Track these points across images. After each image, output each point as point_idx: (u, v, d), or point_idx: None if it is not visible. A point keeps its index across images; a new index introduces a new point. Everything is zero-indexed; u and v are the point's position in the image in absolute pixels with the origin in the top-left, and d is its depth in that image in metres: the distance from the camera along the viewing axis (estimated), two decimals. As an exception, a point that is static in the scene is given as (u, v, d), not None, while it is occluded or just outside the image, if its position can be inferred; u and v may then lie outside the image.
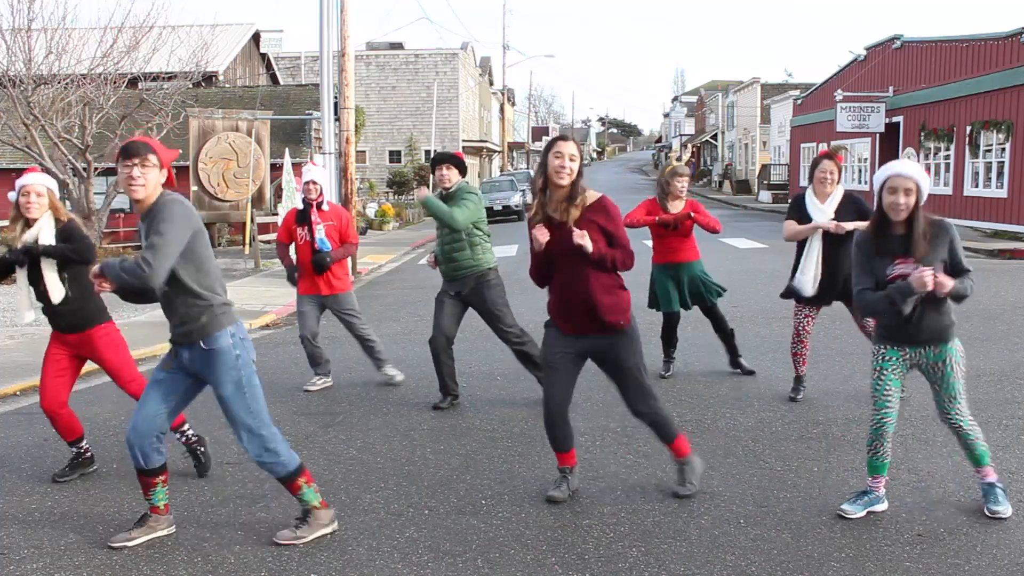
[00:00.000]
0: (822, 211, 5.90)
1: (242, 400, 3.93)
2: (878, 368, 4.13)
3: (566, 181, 4.18)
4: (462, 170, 6.25)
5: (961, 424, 4.11)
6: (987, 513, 4.11)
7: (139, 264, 3.65)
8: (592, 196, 4.27)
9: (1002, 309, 9.76)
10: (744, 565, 3.72)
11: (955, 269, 4.00)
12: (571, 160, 4.17)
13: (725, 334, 7.02)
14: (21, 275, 4.82)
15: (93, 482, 4.96)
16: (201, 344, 3.90)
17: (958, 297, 3.94)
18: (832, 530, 4.04)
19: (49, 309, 4.83)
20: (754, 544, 3.92)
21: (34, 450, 5.62)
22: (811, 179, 6.05)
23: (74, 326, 4.85)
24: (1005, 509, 4.10)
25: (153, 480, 4.09)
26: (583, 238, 4.09)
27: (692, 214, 6.72)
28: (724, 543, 3.94)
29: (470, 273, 6.18)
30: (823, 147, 6.15)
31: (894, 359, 4.10)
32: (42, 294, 4.82)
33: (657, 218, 6.78)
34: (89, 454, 5.10)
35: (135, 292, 3.82)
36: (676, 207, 6.81)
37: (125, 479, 4.94)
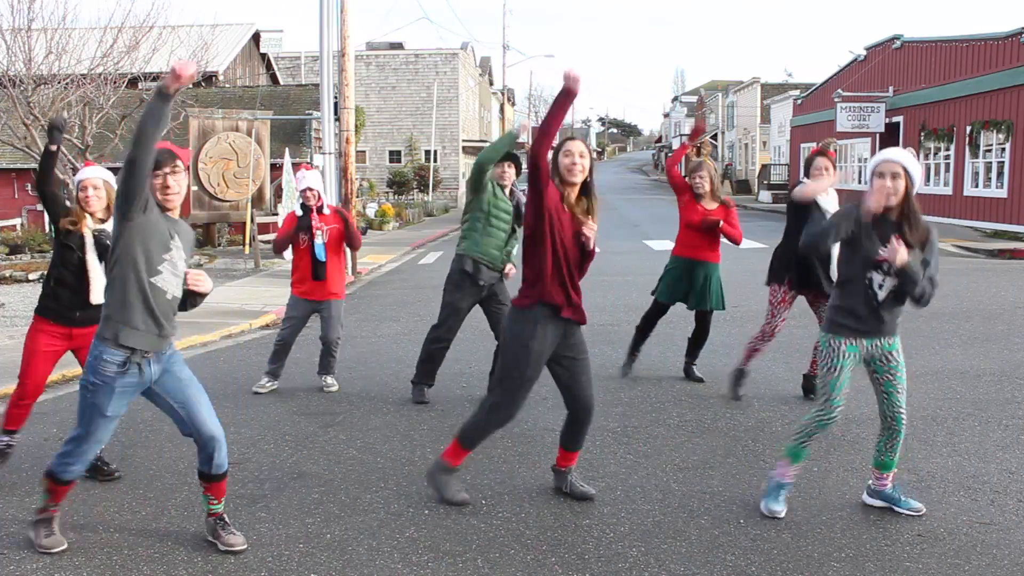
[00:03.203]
0: (828, 201, 5.95)
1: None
2: (838, 366, 4.12)
3: (579, 179, 4.24)
4: (519, 168, 6.26)
5: (904, 419, 4.18)
6: (910, 512, 4.19)
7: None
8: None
9: (1002, 309, 9.77)
10: (744, 565, 3.72)
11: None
12: (581, 157, 4.23)
13: (698, 341, 6.99)
14: (93, 260, 4.77)
15: (92, 483, 4.95)
16: (168, 351, 3.93)
17: (910, 281, 3.96)
18: (832, 530, 4.05)
19: (76, 299, 4.80)
20: (754, 544, 3.92)
21: (34, 450, 5.62)
22: (807, 176, 6.12)
23: (90, 320, 4.81)
24: (919, 506, 4.21)
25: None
26: (591, 231, 4.21)
27: (720, 222, 6.67)
28: (724, 543, 3.94)
29: (504, 265, 6.30)
30: (816, 146, 6.20)
31: (854, 356, 4.14)
32: (69, 285, 4.80)
33: (703, 220, 6.68)
34: (11, 449, 5.16)
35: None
36: (711, 204, 6.76)
37: (125, 480, 4.95)
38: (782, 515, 4.18)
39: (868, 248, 4.03)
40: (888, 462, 4.23)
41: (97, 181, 4.77)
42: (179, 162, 3.83)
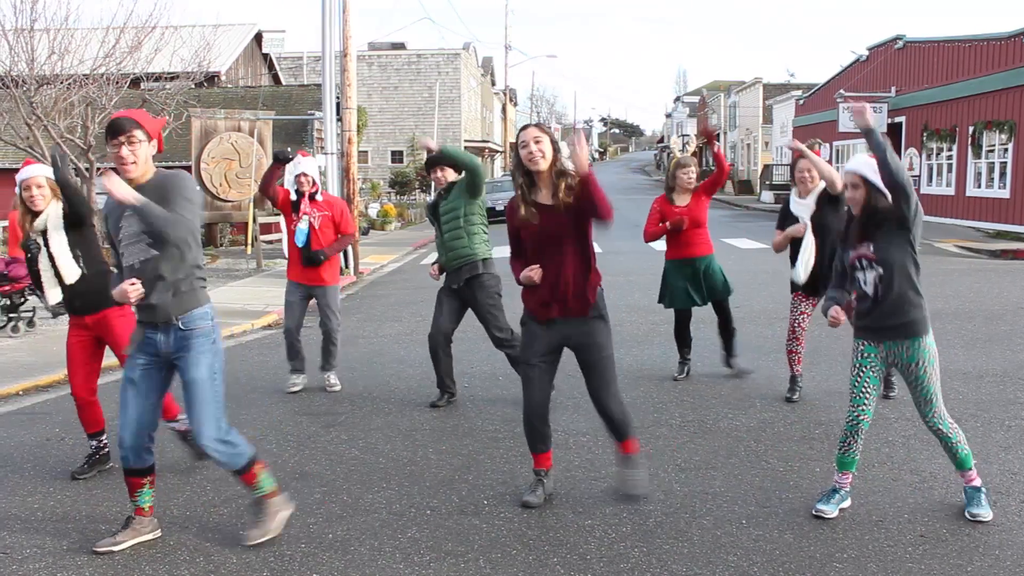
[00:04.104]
0: (805, 205, 5.96)
1: (212, 386, 3.91)
2: (857, 365, 4.18)
3: (543, 165, 4.11)
4: (457, 169, 6.26)
5: (941, 428, 4.12)
6: (968, 516, 4.10)
7: (172, 212, 3.69)
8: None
9: (1004, 310, 9.76)
10: (746, 566, 3.72)
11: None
12: (536, 143, 4.08)
13: (727, 332, 6.97)
14: (43, 260, 4.81)
15: (95, 482, 4.97)
16: (179, 324, 3.87)
17: (877, 147, 3.87)
18: (834, 531, 4.04)
19: (67, 291, 4.85)
20: (756, 545, 3.92)
21: (36, 450, 5.63)
22: (792, 180, 6.14)
23: (92, 306, 4.86)
24: (986, 513, 4.11)
25: (141, 481, 4.06)
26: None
27: (684, 221, 6.66)
28: (726, 543, 3.94)
29: (466, 262, 6.18)
30: (815, 146, 6.20)
31: (872, 356, 4.15)
32: (57, 277, 4.86)
33: (668, 225, 6.73)
34: (107, 450, 5.13)
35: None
36: (685, 199, 6.77)
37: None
38: (829, 515, 4.16)
39: (844, 260, 4.18)
40: (956, 464, 4.19)
41: (40, 179, 4.77)
42: (138, 132, 3.78)
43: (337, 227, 6.87)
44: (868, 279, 4.07)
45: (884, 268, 4.03)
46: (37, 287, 4.95)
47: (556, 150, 4.15)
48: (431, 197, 6.40)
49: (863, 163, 4.08)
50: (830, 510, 4.17)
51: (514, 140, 4.26)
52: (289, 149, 6.23)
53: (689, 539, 4.00)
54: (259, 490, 4.07)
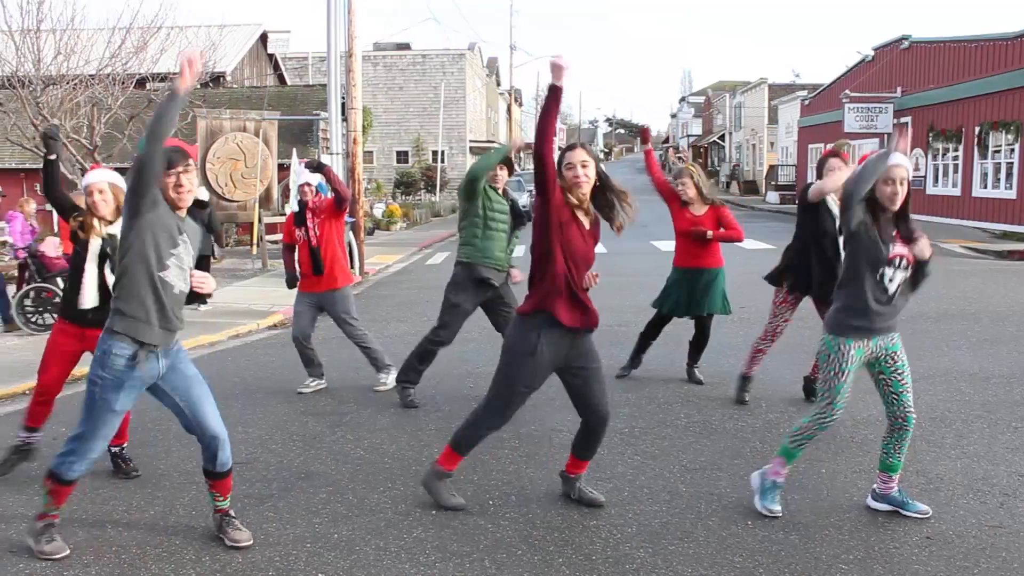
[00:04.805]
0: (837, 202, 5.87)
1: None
2: (845, 371, 4.09)
3: (587, 189, 4.14)
4: (511, 168, 6.28)
5: (914, 418, 4.20)
6: (917, 515, 4.16)
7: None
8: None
9: (1011, 311, 9.73)
10: (752, 567, 3.71)
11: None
12: (583, 167, 4.11)
13: (698, 346, 6.94)
14: (91, 266, 4.77)
15: (101, 482, 4.97)
16: (175, 347, 3.99)
17: (926, 272, 4.15)
18: (840, 532, 4.03)
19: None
20: (762, 546, 3.92)
21: (43, 448, 5.62)
22: (820, 178, 6.04)
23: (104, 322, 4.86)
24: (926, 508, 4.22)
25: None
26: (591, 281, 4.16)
27: (709, 234, 6.56)
28: (732, 544, 3.94)
29: (510, 265, 6.36)
30: (829, 147, 6.13)
31: (859, 359, 4.13)
32: (77, 286, 4.83)
33: (692, 230, 6.60)
34: (31, 447, 5.15)
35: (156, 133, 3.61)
36: (702, 209, 6.65)
37: (132, 479, 4.96)
38: (780, 514, 4.19)
39: (881, 246, 4.01)
40: (895, 464, 4.22)
41: (102, 184, 4.74)
42: (191, 160, 3.89)
43: (335, 201, 6.77)
44: (897, 278, 4.04)
45: (911, 272, 4.07)
46: (74, 286, 4.81)
47: (600, 176, 4.18)
48: (497, 193, 6.22)
49: (906, 159, 4.06)
50: (780, 508, 4.23)
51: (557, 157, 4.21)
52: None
53: (695, 540, 3.99)
54: (227, 500, 4.14)
